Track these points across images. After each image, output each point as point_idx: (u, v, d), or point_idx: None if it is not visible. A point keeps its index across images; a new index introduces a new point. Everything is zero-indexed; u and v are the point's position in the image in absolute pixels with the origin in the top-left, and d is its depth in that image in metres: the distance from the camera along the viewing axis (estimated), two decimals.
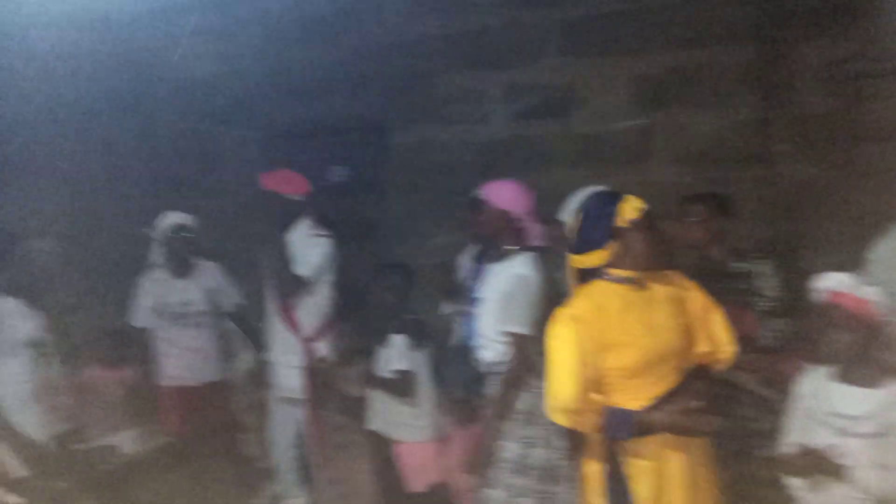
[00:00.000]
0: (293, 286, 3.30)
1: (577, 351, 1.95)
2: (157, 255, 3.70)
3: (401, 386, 3.01)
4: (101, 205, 4.37)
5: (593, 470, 2.08)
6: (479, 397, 2.74)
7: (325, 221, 3.51)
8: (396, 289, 3.13)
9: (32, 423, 3.12)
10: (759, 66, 3.52)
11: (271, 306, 3.49)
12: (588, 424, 1.98)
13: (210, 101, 4.18)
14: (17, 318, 3.28)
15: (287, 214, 3.40)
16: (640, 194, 2.29)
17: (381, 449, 3.20)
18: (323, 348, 3.45)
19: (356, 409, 3.23)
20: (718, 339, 2.15)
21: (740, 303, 2.62)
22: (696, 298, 2.15)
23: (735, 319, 2.24)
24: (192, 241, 3.68)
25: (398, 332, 3.04)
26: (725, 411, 2.42)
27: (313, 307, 3.44)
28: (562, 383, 1.95)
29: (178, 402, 3.72)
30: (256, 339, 3.79)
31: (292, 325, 3.43)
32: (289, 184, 3.41)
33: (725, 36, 3.51)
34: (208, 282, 3.74)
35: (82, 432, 3.72)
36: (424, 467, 3.12)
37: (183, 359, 3.68)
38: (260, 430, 3.77)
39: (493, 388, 2.68)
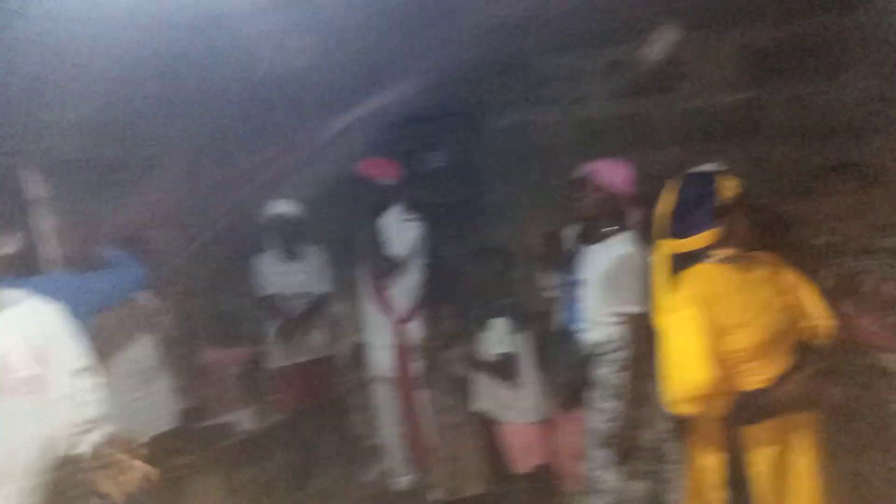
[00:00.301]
0: (386, 267, 3.39)
1: (705, 333, 1.90)
2: (266, 240, 3.88)
3: (503, 369, 3.03)
4: (212, 195, 4.60)
5: (711, 460, 2.04)
6: (584, 380, 2.72)
7: (416, 206, 3.59)
8: (496, 273, 3.14)
9: (153, 402, 3.31)
10: (874, 32, 3.28)
11: (365, 289, 3.60)
12: (716, 411, 1.93)
13: (309, 93, 4.30)
14: (140, 303, 3.52)
15: (380, 199, 3.49)
16: (749, 170, 2.24)
17: (488, 430, 3.23)
18: (415, 329, 3.54)
19: (463, 390, 3.27)
20: (816, 314, 2.10)
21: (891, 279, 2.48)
22: (789, 276, 2.12)
23: (887, 296, 2.14)
24: (297, 228, 3.84)
25: (499, 315, 3.04)
26: (874, 397, 2.31)
27: (405, 289, 3.53)
28: (691, 370, 1.88)
29: (289, 379, 3.90)
30: (340, 325, 3.93)
31: (385, 306, 3.52)
32: (382, 169, 3.50)
33: (838, 2, 3.29)
34: (312, 265, 3.90)
35: (202, 410, 3.95)
36: (528, 449, 3.13)
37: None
38: (366, 409, 3.89)
39: (599, 371, 2.65)
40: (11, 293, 1.62)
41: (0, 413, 1.44)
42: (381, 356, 3.57)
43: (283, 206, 3.86)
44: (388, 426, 3.70)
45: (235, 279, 4.48)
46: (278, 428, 4.08)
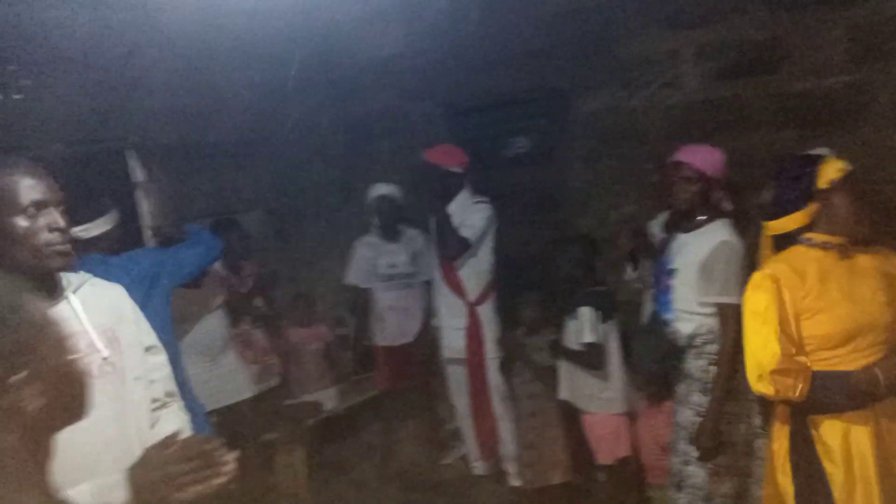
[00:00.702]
0: (456, 248, 3.40)
1: (777, 309, 1.92)
2: (368, 221, 3.95)
3: (589, 358, 2.98)
4: (302, 179, 4.72)
5: (780, 447, 2.05)
6: (674, 372, 2.65)
7: (486, 190, 3.60)
8: (582, 260, 3.09)
9: (223, 375, 3.43)
10: None
11: (437, 271, 3.64)
12: (794, 390, 1.90)
13: (398, 78, 4.32)
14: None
15: (449, 185, 3.50)
16: (857, 157, 2.11)
17: (572, 419, 3.20)
18: (486, 311, 3.55)
19: (547, 377, 3.25)
20: None
21: None
22: None
23: None
24: (398, 210, 3.90)
25: (585, 304, 2.99)
26: None
27: (476, 272, 3.54)
28: (763, 345, 1.92)
29: (386, 359, 3.97)
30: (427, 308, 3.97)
31: (457, 288, 3.54)
32: (449, 157, 3.51)
33: None
34: (413, 247, 3.95)
35: (290, 388, 4.07)
36: (613, 440, 3.08)
37: (390, 318, 3.94)
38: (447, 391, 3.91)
39: (689, 363, 2.58)
40: (75, 277, 1.61)
41: None
42: (454, 338, 3.60)
43: (383, 189, 3.91)
44: (461, 409, 3.73)
45: (322, 261, 4.60)
46: (362, 408, 4.17)
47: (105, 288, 1.70)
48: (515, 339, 3.41)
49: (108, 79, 3.58)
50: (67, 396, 0.83)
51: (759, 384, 1.94)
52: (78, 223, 2.43)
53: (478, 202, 3.52)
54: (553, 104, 4.01)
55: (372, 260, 3.94)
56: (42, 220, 1.47)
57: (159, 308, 2.51)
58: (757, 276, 2.00)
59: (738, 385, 2.48)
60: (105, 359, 1.51)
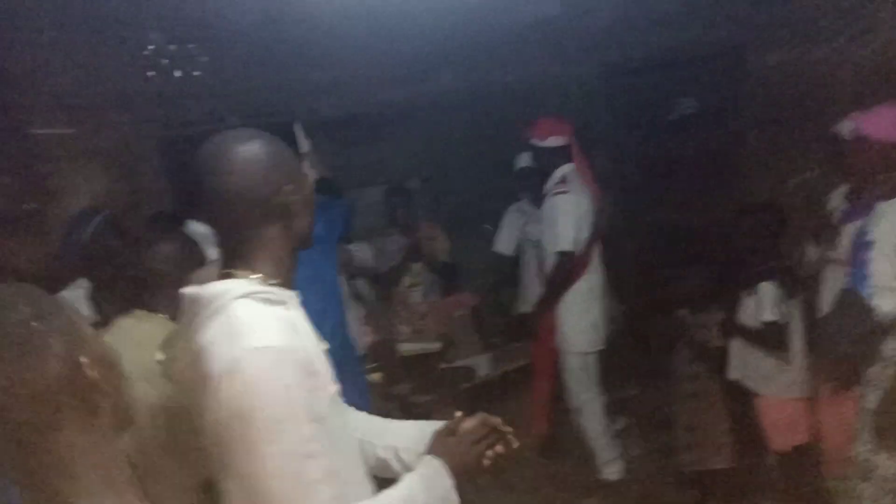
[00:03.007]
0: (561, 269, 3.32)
1: None
2: (519, 190, 3.95)
3: (769, 338, 2.78)
4: (456, 148, 4.74)
5: None
6: (865, 354, 2.42)
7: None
8: (765, 232, 2.86)
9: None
10: None
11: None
12: None
13: (556, 40, 4.18)
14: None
15: (550, 162, 3.38)
16: None
17: (742, 401, 3.02)
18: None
19: (713, 357, 3.08)
20: None
21: None
22: None
23: None
24: (543, 178, 3.83)
25: (767, 279, 2.78)
26: None
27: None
28: None
29: (532, 330, 3.93)
30: None
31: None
32: (548, 132, 3.35)
33: None
34: None
35: (447, 353, 4.16)
36: (790, 426, 2.88)
37: (536, 285, 3.87)
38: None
39: (887, 343, 2.34)
40: None
41: None
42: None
43: (525, 161, 3.84)
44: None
45: (473, 228, 4.62)
46: (515, 374, 4.18)
47: None
48: (677, 318, 3.24)
49: (278, 54, 3.74)
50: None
51: None
52: None
53: (557, 193, 3.36)
54: (725, 60, 3.73)
55: (523, 227, 3.88)
56: None
57: (335, 256, 2.70)
58: None
59: None
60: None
